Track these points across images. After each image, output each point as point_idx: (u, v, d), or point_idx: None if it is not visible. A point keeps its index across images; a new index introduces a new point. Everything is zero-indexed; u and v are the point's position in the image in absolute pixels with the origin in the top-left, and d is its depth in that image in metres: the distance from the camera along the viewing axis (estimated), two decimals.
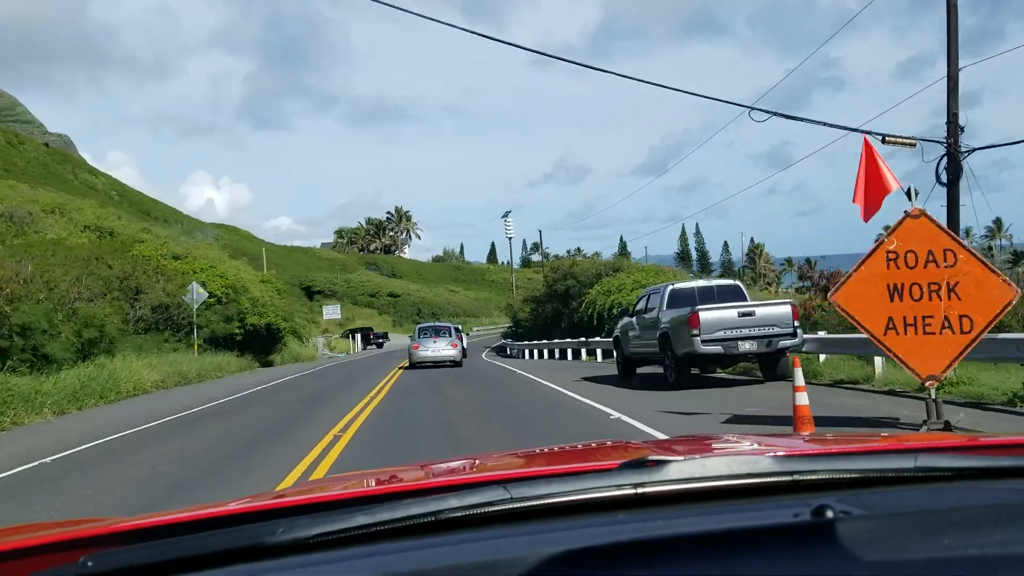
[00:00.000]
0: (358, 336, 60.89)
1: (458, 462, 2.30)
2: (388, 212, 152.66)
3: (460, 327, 40.53)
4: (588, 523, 1.10)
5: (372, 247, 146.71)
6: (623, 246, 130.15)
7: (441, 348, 30.13)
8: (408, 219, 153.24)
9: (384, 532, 1.09)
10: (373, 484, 1.90)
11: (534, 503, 1.14)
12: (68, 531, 1.43)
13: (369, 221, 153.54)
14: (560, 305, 40.55)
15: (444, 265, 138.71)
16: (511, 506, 1.13)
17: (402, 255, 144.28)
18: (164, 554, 1.07)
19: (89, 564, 1.05)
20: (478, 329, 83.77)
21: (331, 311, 59.05)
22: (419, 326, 33.34)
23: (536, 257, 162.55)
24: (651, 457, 1.29)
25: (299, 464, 8.90)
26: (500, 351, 50.81)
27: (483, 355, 45.90)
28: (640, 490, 1.16)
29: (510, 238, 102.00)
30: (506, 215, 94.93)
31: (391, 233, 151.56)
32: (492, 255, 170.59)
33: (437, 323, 35.59)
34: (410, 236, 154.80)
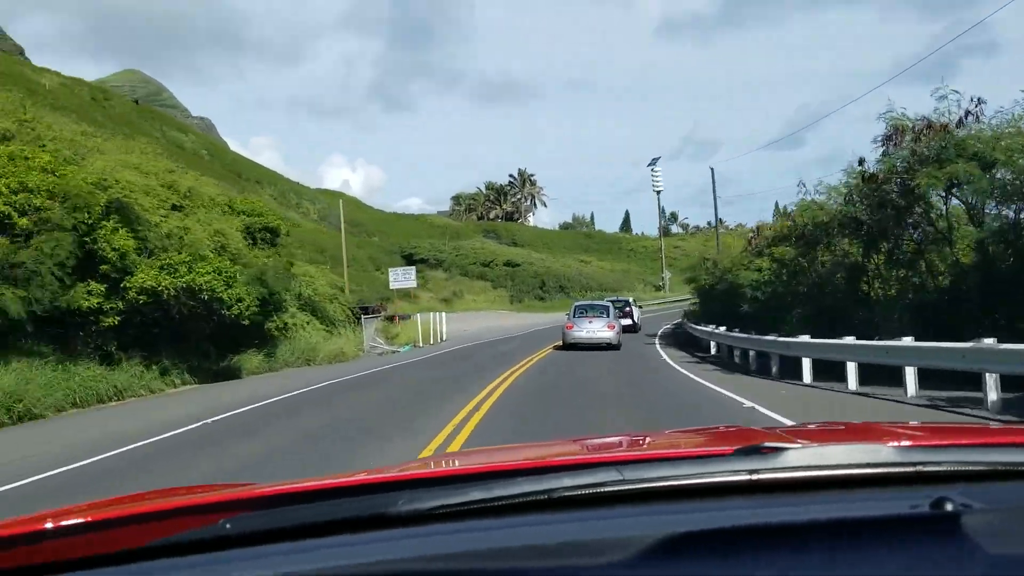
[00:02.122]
0: (369, 322, 36.98)
1: (575, 444, 2.27)
2: (510, 175, 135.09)
3: (631, 300, 41.50)
4: (701, 507, 1.12)
5: (492, 215, 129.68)
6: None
7: (596, 329, 28.03)
8: (532, 183, 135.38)
9: (499, 508, 1.12)
10: (492, 460, 1.94)
11: (646, 485, 1.14)
12: (209, 495, 1.50)
13: (489, 186, 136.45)
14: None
15: (573, 233, 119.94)
16: (623, 487, 1.13)
17: (525, 223, 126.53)
18: (295, 519, 1.14)
19: (227, 526, 1.14)
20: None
21: (403, 277, 39.50)
22: (575, 304, 31.81)
23: (676, 229, 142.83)
24: (767, 444, 1.28)
25: None
26: (681, 341, 32.77)
27: (659, 348, 29.66)
28: (755, 476, 1.15)
29: (658, 192, 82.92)
30: (653, 163, 76.57)
31: (513, 199, 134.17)
32: (626, 224, 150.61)
33: (594, 301, 34.52)
34: (534, 203, 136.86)
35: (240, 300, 18.89)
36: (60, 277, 14.44)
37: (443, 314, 41.34)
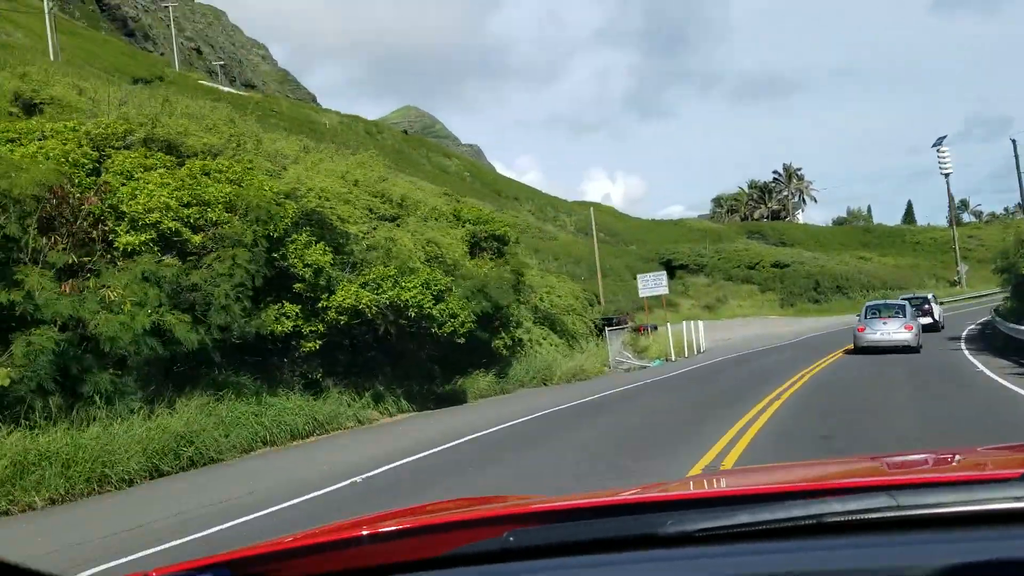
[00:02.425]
0: (615, 335, 30.86)
1: (846, 465, 2.22)
2: (774, 171, 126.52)
3: (931, 296, 38.27)
4: (982, 536, 1.05)
5: (756, 214, 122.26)
6: None
7: (892, 331, 25.23)
8: (799, 178, 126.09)
9: (766, 532, 1.10)
10: (760, 481, 1.88)
11: (922, 512, 1.08)
12: (494, 508, 1.59)
13: (752, 185, 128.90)
14: None
15: (849, 229, 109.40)
16: (896, 514, 1.08)
17: (793, 221, 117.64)
18: (569, 536, 1.20)
19: (511, 539, 1.20)
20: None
21: (652, 283, 35.43)
22: (867, 304, 29.05)
23: (967, 217, 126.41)
24: None
25: None
26: (995, 345, 26.30)
27: (968, 354, 24.09)
28: None
29: (946, 175, 72.92)
30: (939, 143, 67.23)
31: (778, 196, 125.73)
32: (908, 216, 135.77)
33: (887, 300, 32.81)
34: (803, 200, 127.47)
35: (454, 316, 16.51)
36: (243, 299, 12.75)
37: (700, 323, 37.20)
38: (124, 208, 12.39)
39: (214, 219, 12.82)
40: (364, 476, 10.23)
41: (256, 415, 13.50)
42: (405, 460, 11.26)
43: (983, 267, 61.52)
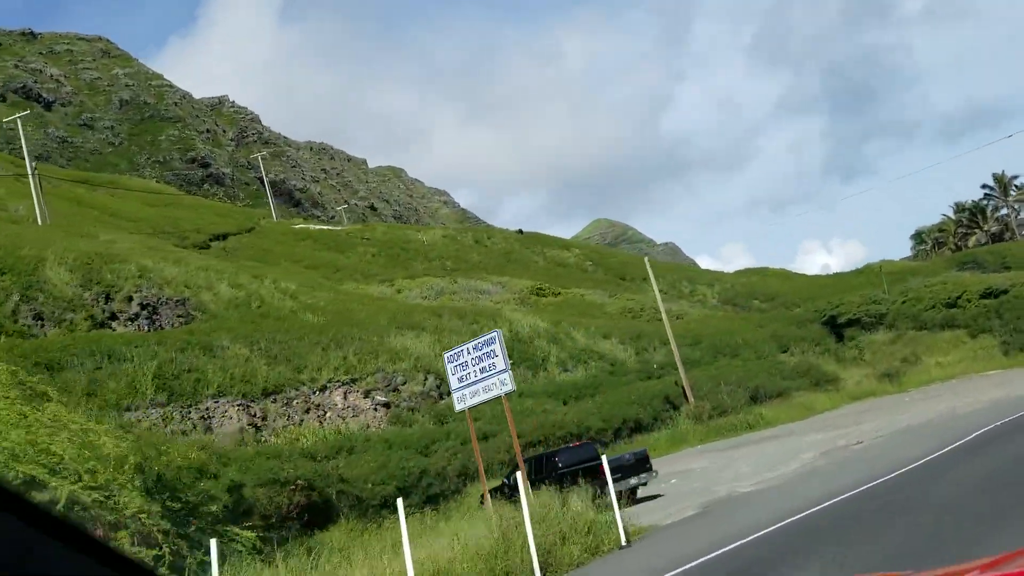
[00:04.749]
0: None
1: None
2: (984, 186, 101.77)
3: None
4: None
5: (971, 243, 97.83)
6: None
7: None
8: (1018, 188, 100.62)
9: None
10: None
11: None
12: None
13: (959, 208, 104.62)
14: None
15: None
16: None
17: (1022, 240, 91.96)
18: None
19: None
20: None
21: (479, 375, 15.51)
22: None
23: None
24: None
25: None
26: None
27: None
28: None
29: None
30: None
31: (996, 215, 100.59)
32: None
33: None
34: None
35: None
36: None
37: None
38: None
39: None
40: None
41: None
42: None
43: None
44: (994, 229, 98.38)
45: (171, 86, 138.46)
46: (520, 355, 41.83)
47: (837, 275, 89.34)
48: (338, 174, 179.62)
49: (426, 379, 32.85)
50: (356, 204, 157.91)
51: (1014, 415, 19.30)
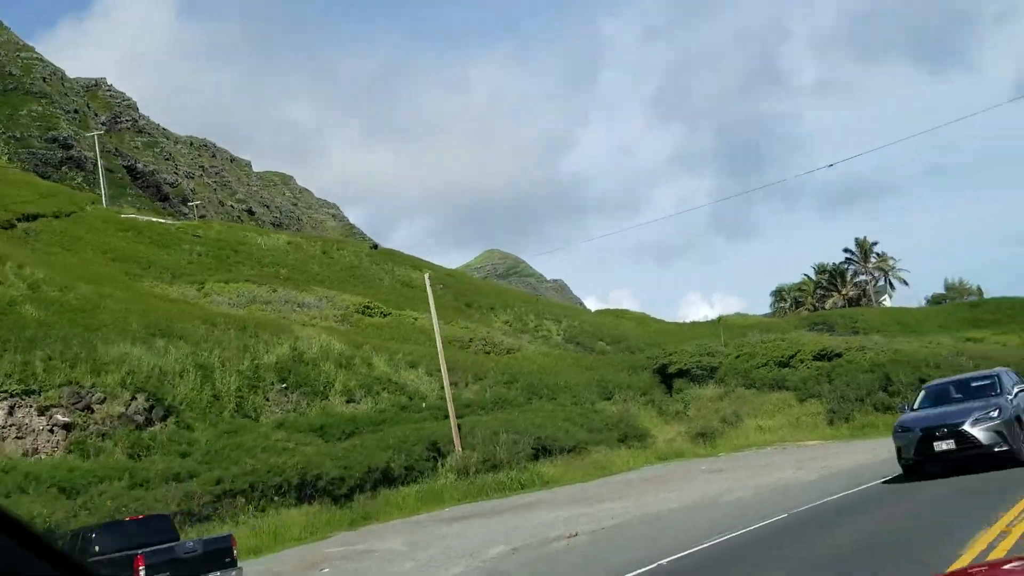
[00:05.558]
0: None
1: None
2: (846, 249, 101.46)
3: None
4: None
5: (828, 304, 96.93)
6: None
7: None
8: (879, 256, 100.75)
9: None
10: None
11: None
12: None
13: (820, 269, 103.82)
14: None
15: (949, 306, 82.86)
16: None
17: (876, 307, 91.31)
18: None
19: None
20: None
21: None
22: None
23: None
24: None
25: None
26: None
27: None
28: None
29: None
30: None
31: (855, 280, 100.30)
32: None
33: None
34: (889, 283, 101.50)
35: None
36: None
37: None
38: None
39: None
40: None
41: None
42: None
43: None
44: (852, 293, 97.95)
45: (41, 60, 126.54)
46: (298, 378, 35.73)
47: (693, 323, 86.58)
48: (217, 173, 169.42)
49: (133, 399, 26.27)
50: (232, 206, 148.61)
51: (792, 508, 14.58)
